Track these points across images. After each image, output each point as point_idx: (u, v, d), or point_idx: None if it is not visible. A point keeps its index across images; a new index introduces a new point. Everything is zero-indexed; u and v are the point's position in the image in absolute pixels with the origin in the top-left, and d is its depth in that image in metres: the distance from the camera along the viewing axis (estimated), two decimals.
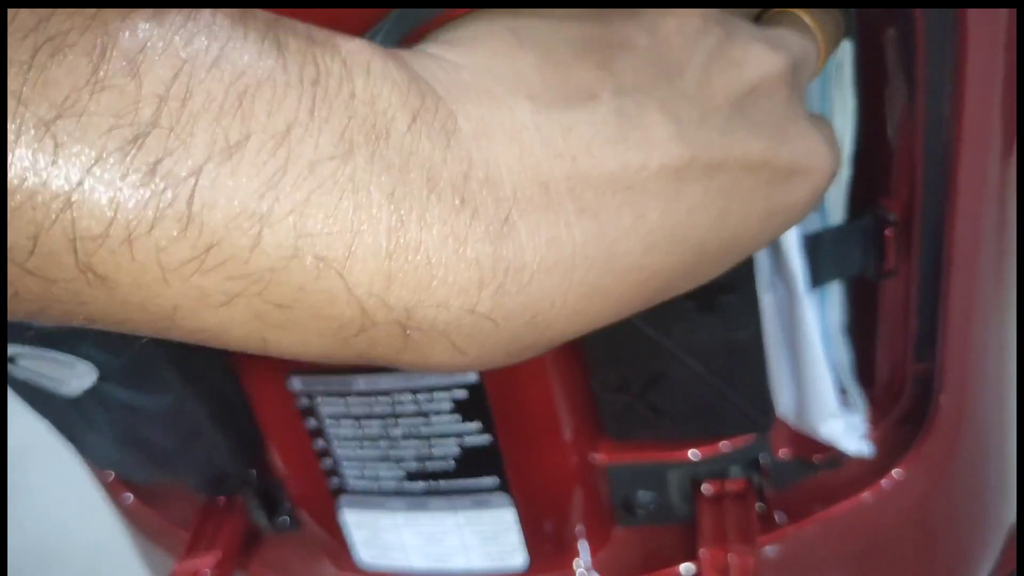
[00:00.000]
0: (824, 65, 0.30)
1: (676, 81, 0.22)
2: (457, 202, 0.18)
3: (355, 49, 0.18)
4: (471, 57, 0.20)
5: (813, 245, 0.36)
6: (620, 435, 0.42)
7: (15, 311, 0.16)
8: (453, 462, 0.41)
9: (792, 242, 0.36)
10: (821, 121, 0.29)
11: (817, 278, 0.37)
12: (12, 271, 0.15)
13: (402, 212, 0.17)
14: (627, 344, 0.39)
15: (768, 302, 0.39)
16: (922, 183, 0.33)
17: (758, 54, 0.23)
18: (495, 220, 0.18)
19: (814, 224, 0.38)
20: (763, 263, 0.39)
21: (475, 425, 0.39)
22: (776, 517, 0.44)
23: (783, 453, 0.43)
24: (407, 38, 0.25)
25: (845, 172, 0.36)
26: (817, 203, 0.26)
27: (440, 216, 0.17)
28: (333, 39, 0.18)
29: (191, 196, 0.15)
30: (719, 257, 0.23)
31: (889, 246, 0.36)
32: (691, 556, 0.42)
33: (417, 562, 0.45)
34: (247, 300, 0.16)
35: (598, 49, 0.21)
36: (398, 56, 0.19)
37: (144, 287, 0.16)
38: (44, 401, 0.46)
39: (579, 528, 0.44)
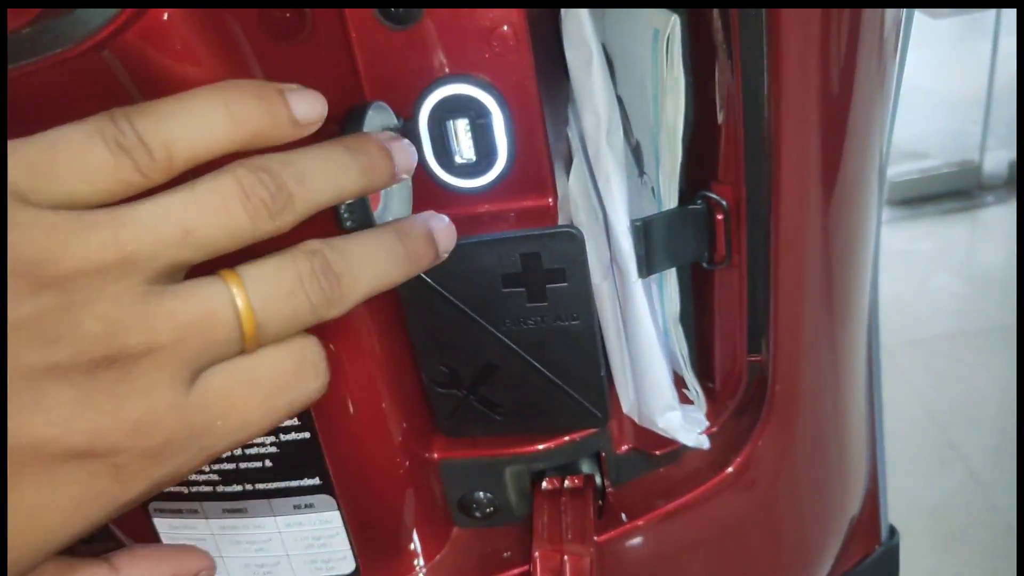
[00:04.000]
0: None
1: None
2: None
3: None
4: None
5: (645, 231, 0.35)
6: (453, 432, 0.40)
7: None
8: (270, 462, 0.38)
9: (622, 226, 0.34)
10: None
11: (651, 265, 0.36)
12: None
13: None
14: (456, 336, 0.37)
15: (607, 292, 0.38)
16: (744, 168, 0.32)
17: (78, 351, 0.21)
18: None
19: (650, 207, 0.37)
20: (603, 251, 0.37)
21: (291, 421, 0.36)
22: (620, 512, 0.43)
23: (625, 448, 0.42)
24: None
25: (678, 154, 0.35)
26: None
27: None
28: None
29: None
30: None
31: (720, 232, 0.35)
32: (529, 557, 0.40)
33: (237, 574, 0.42)
34: None
35: None
36: None
37: None
38: None
39: (413, 531, 0.41)
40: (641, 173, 0.39)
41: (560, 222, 0.37)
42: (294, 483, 0.38)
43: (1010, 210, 2.44)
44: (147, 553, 0.26)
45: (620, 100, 0.38)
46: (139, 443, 0.21)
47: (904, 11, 0.37)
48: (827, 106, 0.31)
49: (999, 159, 2.60)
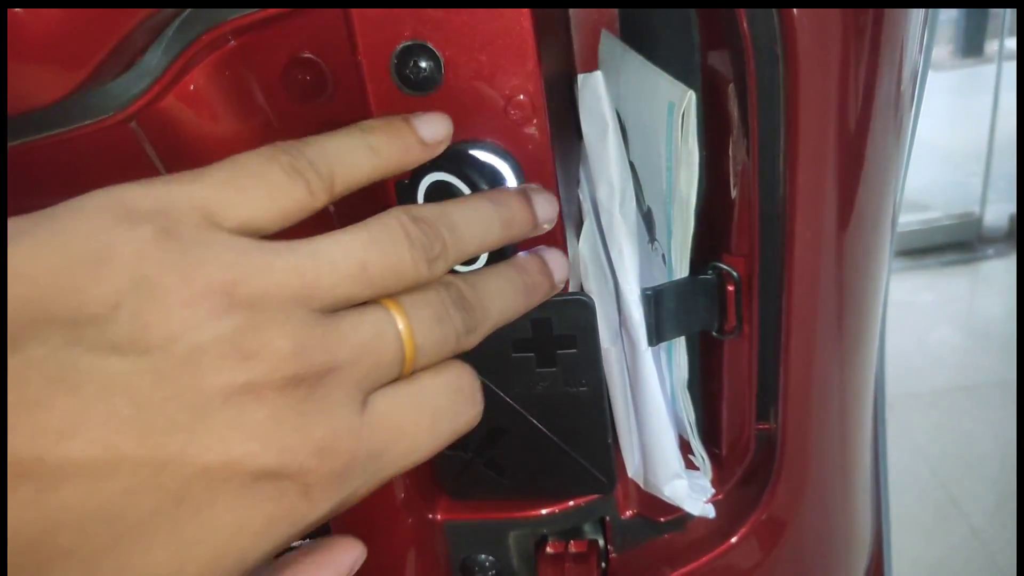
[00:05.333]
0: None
1: (154, 354, 0.19)
2: None
3: None
4: None
5: (656, 300, 0.35)
6: (458, 494, 0.39)
7: None
8: None
9: (633, 296, 0.34)
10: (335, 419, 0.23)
11: (660, 334, 0.36)
12: None
13: None
14: None
15: (615, 357, 0.38)
16: (758, 241, 0.32)
17: (274, 366, 0.21)
18: None
19: (661, 274, 0.37)
20: (612, 315, 0.37)
21: None
22: None
23: (629, 514, 0.41)
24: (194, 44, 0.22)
25: (691, 225, 0.35)
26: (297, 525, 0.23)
27: None
28: None
29: None
30: None
31: (731, 304, 0.35)
32: None
33: None
34: None
35: (60, 295, 0.19)
36: None
37: None
38: None
39: None
40: (652, 240, 0.39)
41: (571, 286, 0.37)
42: (294, 543, 0.38)
43: (1011, 263, 2.45)
44: (307, 561, 0.26)
45: (633, 166, 0.39)
46: (325, 463, 0.22)
47: (919, 74, 0.37)
48: (842, 182, 0.31)
49: (1000, 212, 2.61)
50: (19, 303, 0.18)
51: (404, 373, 0.25)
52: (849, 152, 0.31)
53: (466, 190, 0.33)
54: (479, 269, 0.29)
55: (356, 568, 0.27)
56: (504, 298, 0.28)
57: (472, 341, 0.27)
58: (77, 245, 0.19)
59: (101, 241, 0.19)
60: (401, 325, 0.24)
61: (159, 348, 0.19)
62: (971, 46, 4.55)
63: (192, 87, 0.24)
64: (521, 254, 0.32)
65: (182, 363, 0.19)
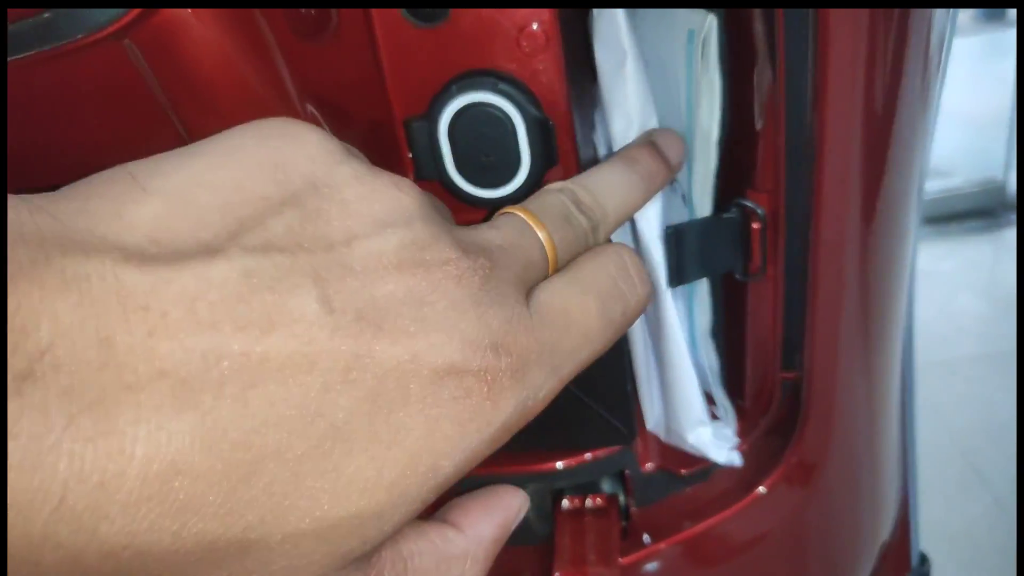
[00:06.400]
0: None
1: (338, 251, 0.20)
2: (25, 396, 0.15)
3: None
4: (73, 203, 0.18)
5: (677, 238, 0.33)
6: None
7: None
8: None
9: (653, 234, 0.33)
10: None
11: (682, 275, 0.34)
12: None
13: None
14: None
15: None
16: (784, 176, 0.31)
17: (447, 259, 0.21)
18: (62, 417, 0.15)
19: (680, 215, 0.36)
20: None
21: None
22: (644, 534, 0.41)
23: (650, 467, 0.40)
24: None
25: (713, 161, 0.33)
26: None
27: (17, 411, 0.15)
28: None
29: None
30: None
31: (755, 242, 0.33)
32: None
33: None
34: None
35: (247, 201, 0.19)
36: None
37: None
38: None
39: None
40: (672, 181, 0.37)
41: None
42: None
43: None
44: (476, 504, 0.26)
45: None
46: (503, 356, 0.21)
47: (948, 21, 0.35)
48: (873, 111, 0.30)
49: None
50: (207, 211, 0.18)
51: (549, 272, 0.25)
52: (883, 77, 0.30)
53: (506, 105, 0.31)
54: (590, 170, 0.29)
55: (522, 514, 0.27)
56: (618, 195, 0.29)
57: (599, 238, 0.28)
58: (256, 157, 0.20)
59: (278, 152, 0.20)
60: (535, 225, 0.25)
61: (342, 244, 0.20)
62: (992, 11, 4.45)
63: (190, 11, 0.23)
64: (629, 145, 0.31)
65: (364, 259, 0.20)
